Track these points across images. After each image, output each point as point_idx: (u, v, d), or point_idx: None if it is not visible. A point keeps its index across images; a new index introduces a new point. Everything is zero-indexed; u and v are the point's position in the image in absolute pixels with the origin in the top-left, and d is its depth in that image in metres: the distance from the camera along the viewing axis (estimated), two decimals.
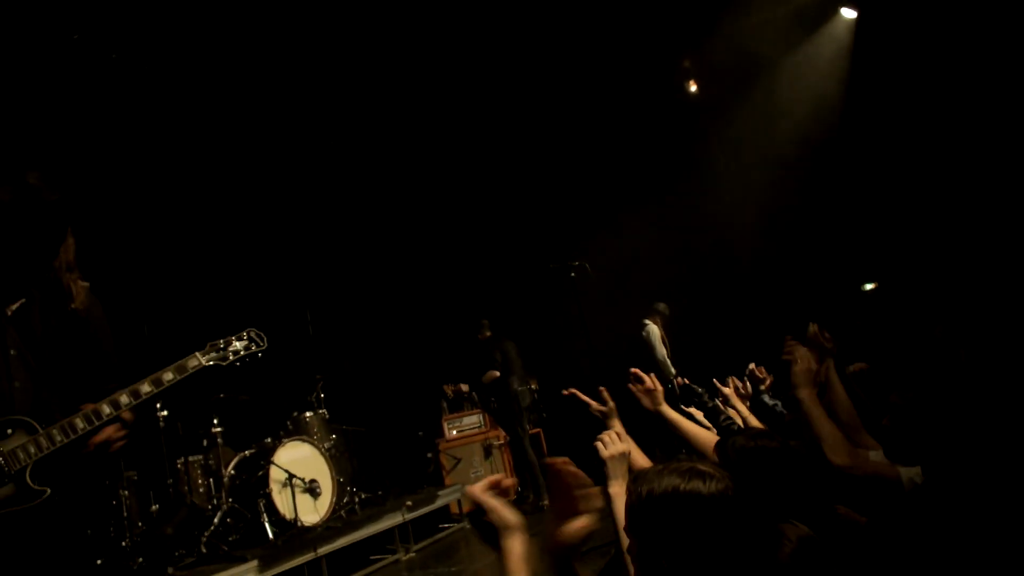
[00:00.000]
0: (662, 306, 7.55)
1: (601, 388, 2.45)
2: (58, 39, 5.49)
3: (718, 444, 2.11)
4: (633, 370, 2.56)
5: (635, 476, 1.44)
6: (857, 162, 8.17)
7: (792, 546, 1.43)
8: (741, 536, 1.26)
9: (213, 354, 2.45)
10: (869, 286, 8.82)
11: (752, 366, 3.91)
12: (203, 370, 2.46)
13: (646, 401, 2.51)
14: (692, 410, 3.67)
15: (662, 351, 7.22)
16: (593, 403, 2.44)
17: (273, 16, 6.54)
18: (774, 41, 8.39)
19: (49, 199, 2.17)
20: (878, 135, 8.03)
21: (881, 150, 8.02)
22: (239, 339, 2.52)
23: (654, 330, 7.31)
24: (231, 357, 2.48)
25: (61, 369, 2.25)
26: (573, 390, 2.52)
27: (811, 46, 8.53)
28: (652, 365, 7.08)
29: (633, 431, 2.34)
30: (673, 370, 7.18)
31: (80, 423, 2.15)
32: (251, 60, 6.82)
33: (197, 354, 2.43)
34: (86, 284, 2.38)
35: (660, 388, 2.52)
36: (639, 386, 2.55)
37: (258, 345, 2.56)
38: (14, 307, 2.19)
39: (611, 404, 2.41)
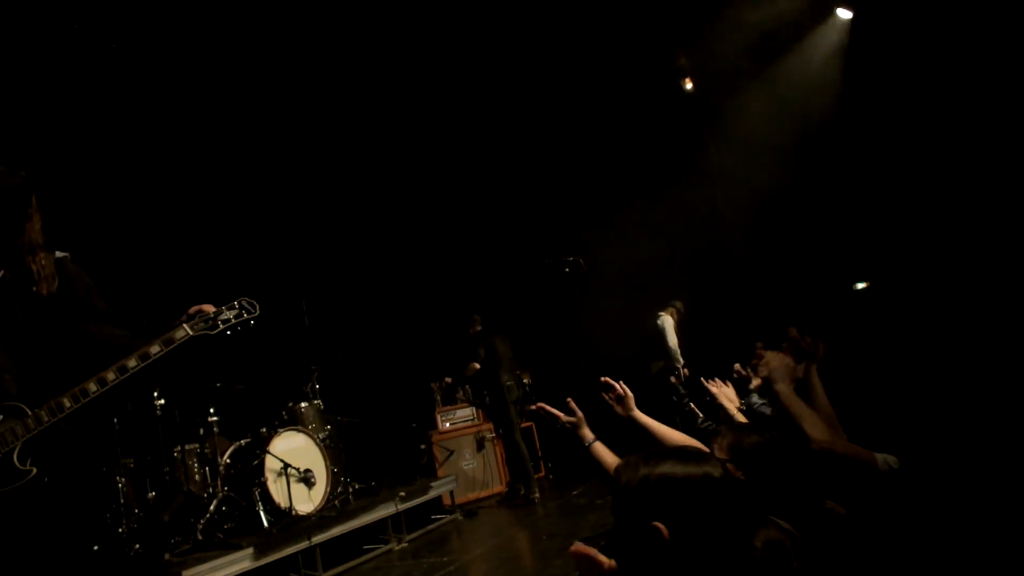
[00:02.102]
0: (679, 303, 8.22)
1: (568, 399, 2.47)
2: (60, 29, 5.51)
3: (730, 438, 2.05)
4: (603, 378, 2.54)
5: (617, 467, 1.49)
6: (853, 162, 8.22)
7: (758, 551, 1.47)
8: (709, 520, 1.31)
9: (201, 324, 2.41)
10: (861, 285, 8.90)
11: (737, 367, 3.87)
12: (201, 356, 2.43)
13: (618, 408, 2.52)
14: (693, 406, 3.70)
15: (674, 339, 7.87)
16: (561, 415, 2.45)
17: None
18: (770, 40, 8.44)
19: (11, 184, 2.13)
20: (873, 135, 8.08)
21: (877, 150, 8.08)
22: (230, 308, 2.48)
23: (668, 320, 7.96)
24: (220, 326, 2.43)
25: (48, 349, 2.23)
26: (540, 404, 2.53)
27: (807, 45, 8.59)
28: (663, 353, 7.90)
29: (608, 438, 2.39)
30: (681, 360, 7.86)
31: (67, 402, 2.16)
32: (248, 48, 6.81)
33: (185, 324, 2.38)
34: (63, 255, 2.35)
35: (631, 395, 2.50)
36: (610, 394, 2.53)
37: (249, 312, 2.50)
38: None
39: (579, 414, 2.43)
